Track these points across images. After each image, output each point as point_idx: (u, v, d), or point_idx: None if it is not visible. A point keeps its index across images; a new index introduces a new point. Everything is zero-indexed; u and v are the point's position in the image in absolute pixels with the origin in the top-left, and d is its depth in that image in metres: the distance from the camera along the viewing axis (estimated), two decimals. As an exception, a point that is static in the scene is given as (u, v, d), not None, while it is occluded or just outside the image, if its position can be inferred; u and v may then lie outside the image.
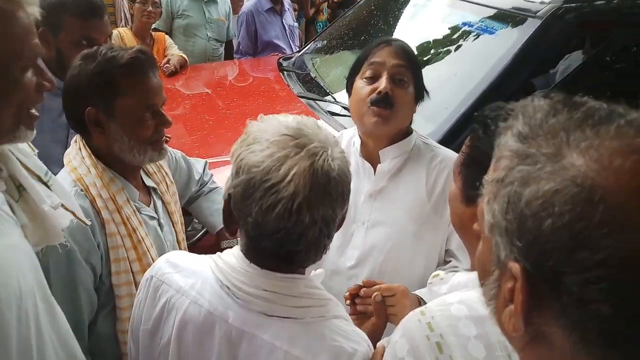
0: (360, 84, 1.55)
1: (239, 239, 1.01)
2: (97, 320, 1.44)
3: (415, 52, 2.82)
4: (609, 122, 0.51)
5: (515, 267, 0.52)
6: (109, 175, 1.43)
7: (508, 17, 2.52)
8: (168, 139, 2.52)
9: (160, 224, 1.56)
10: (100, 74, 1.38)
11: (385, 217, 1.56)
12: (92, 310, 1.41)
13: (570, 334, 0.50)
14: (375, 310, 1.31)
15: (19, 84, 0.93)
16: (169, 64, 3.57)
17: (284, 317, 0.95)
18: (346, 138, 1.69)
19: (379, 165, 1.59)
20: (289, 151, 0.89)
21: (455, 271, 1.47)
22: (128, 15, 4.44)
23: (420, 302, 1.39)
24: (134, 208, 1.45)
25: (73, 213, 1.18)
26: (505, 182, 0.54)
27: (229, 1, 4.47)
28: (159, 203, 1.58)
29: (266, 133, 0.92)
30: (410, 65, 1.54)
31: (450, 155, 1.58)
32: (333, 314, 0.99)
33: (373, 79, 1.53)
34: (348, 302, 1.36)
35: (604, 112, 0.53)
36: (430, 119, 2.25)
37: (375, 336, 1.25)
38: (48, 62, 1.94)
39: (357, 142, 1.63)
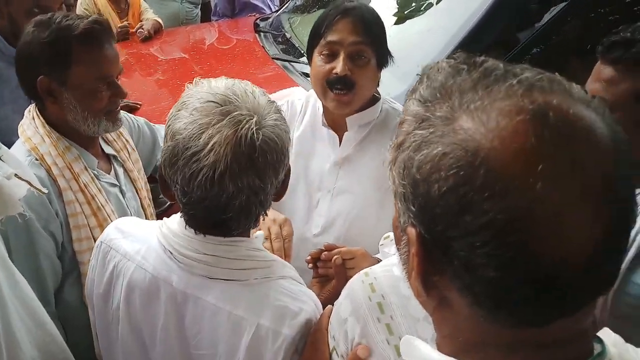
0: (317, 60, 1.48)
1: None
2: (63, 288, 1.46)
3: (395, 7, 2.79)
4: (503, 82, 0.50)
5: (411, 232, 0.53)
6: (64, 143, 1.43)
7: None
8: (138, 106, 2.50)
9: (122, 191, 1.56)
10: (53, 42, 1.36)
11: (351, 185, 1.55)
12: (56, 278, 1.43)
13: (464, 298, 0.51)
14: (336, 273, 1.32)
15: None
16: (142, 28, 3.48)
17: (226, 280, 0.96)
18: (312, 101, 1.66)
19: (345, 133, 1.56)
20: (211, 119, 0.87)
21: None
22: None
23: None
24: (92, 175, 1.45)
25: (28, 182, 1.18)
26: (403, 147, 0.54)
27: (204, -39, 4.34)
28: (120, 170, 1.59)
29: (193, 99, 0.90)
30: (370, 38, 1.43)
31: None
32: (279, 275, 1.00)
33: (330, 56, 1.45)
34: (310, 265, 1.38)
35: (500, 71, 0.51)
36: (401, 78, 2.20)
37: (336, 298, 1.28)
38: (2, 32, 1.89)
39: (321, 108, 1.59)
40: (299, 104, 1.67)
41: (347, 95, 1.45)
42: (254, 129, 0.87)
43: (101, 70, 1.40)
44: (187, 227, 0.97)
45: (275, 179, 0.94)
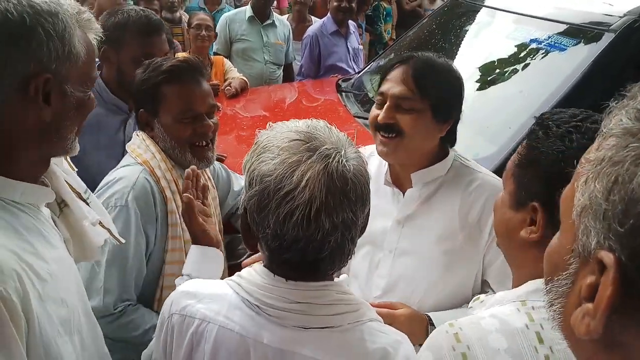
0: (373, 107, 1.47)
1: None
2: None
3: (478, 72, 2.76)
4: None
5: (608, 256, 0.45)
6: (170, 162, 1.56)
7: (579, 33, 2.37)
8: (224, 158, 2.57)
9: None
10: (146, 80, 1.54)
11: (414, 246, 1.46)
12: (139, 276, 1.52)
13: None
14: None
15: (89, 100, 1.01)
16: (230, 86, 3.63)
17: (320, 328, 0.90)
18: (377, 156, 1.57)
19: (408, 190, 1.48)
20: (300, 156, 0.85)
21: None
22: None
23: (429, 323, 1.38)
24: None
25: (109, 231, 1.21)
26: (613, 160, 0.47)
27: (289, 25, 4.52)
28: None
29: (275, 140, 0.89)
30: (422, 90, 1.38)
31: (490, 180, 1.46)
32: (368, 317, 0.95)
33: (381, 105, 1.43)
34: None
35: None
36: (492, 139, 2.13)
37: None
38: (108, 81, 2.00)
39: (387, 165, 1.53)
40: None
41: (390, 140, 1.40)
42: (343, 161, 0.86)
43: (184, 104, 1.53)
44: (276, 275, 0.93)
45: (363, 213, 0.91)
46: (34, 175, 0.98)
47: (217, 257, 1.39)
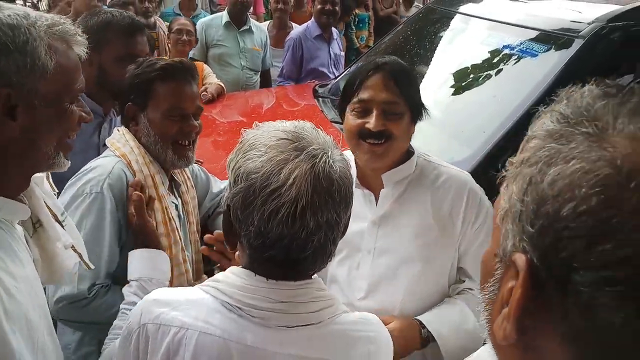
0: (350, 116, 1.46)
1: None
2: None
3: (453, 78, 2.80)
4: None
5: (520, 258, 0.45)
6: (149, 157, 1.57)
7: (550, 39, 2.43)
8: (200, 162, 2.56)
9: (179, 216, 1.66)
10: (138, 75, 1.57)
11: (391, 245, 1.49)
12: (110, 262, 1.51)
13: (566, 348, 0.42)
14: None
15: (66, 114, 0.98)
16: (206, 92, 3.61)
17: (304, 326, 0.91)
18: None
19: (382, 190, 1.51)
20: (288, 154, 0.86)
21: (471, 292, 1.48)
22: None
23: (420, 326, 1.42)
24: (167, 192, 1.59)
25: (80, 255, 1.20)
26: (530, 161, 0.47)
27: (266, 31, 4.52)
28: (178, 200, 1.68)
29: (263, 138, 0.90)
30: (403, 93, 1.42)
31: (455, 173, 1.52)
32: (341, 310, 0.98)
33: (363, 113, 1.43)
34: None
35: None
36: (466, 143, 2.16)
37: None
38: (86, 85, 1.97)
39: (353, 167, 1.52)
40: None
41: (381, 145, 1.42)
42: (330, 162, 0.88)
43: (175, 101, 1.55)
44: (257, 275, 0.92)
45: (345, 215, 0.93)
46: (14, 191, 0.97)
47: (167, 260, 1.42)
